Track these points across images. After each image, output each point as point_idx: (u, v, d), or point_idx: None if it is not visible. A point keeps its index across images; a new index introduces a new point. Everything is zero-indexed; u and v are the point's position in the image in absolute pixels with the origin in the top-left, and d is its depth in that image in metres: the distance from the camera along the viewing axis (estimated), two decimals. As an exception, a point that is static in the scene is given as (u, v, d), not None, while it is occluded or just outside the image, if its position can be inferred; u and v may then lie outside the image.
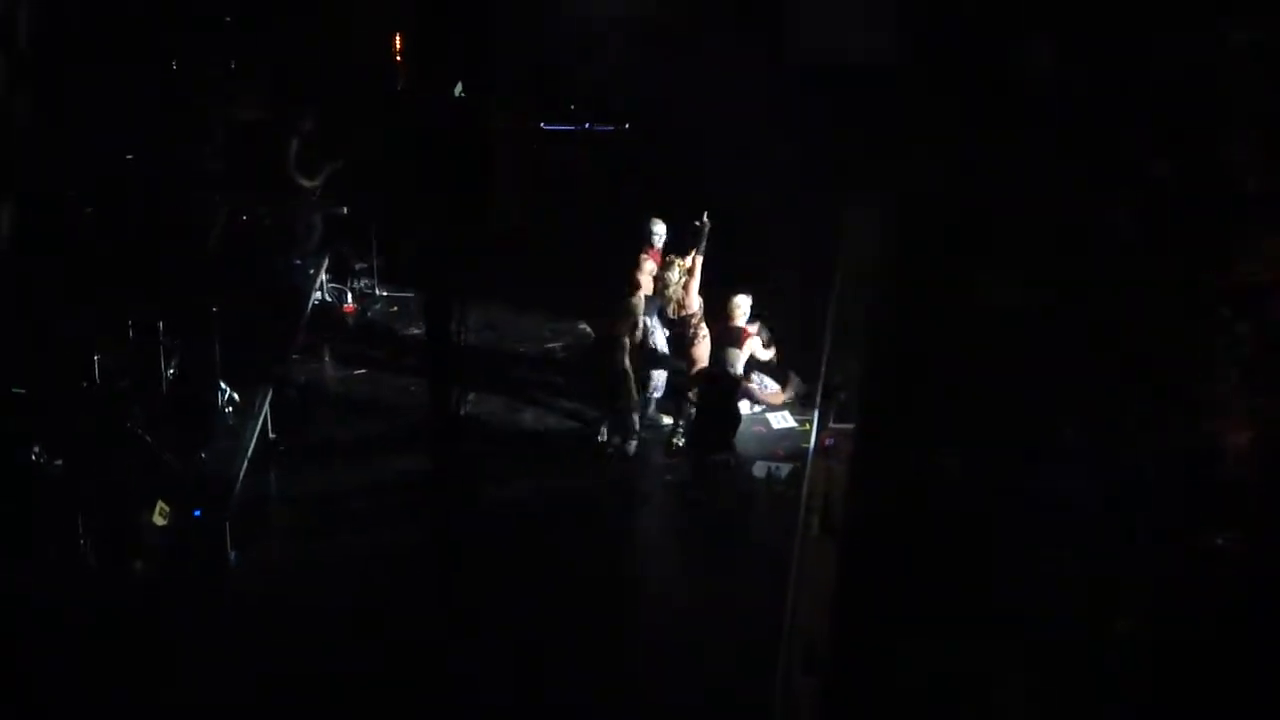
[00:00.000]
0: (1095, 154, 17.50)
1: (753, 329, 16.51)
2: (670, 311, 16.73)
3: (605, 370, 16.31)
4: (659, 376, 16.63)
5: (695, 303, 16.60)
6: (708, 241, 16.62)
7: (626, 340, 16.29)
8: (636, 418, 16.27)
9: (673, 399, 16.68)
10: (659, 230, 17.03)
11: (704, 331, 16.49)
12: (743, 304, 16.45)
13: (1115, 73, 18.19)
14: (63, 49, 17.31)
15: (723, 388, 16.14)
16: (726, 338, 16.32)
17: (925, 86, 18.29)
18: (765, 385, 16.80)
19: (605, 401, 16.49)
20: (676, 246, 16.88)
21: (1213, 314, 15.41)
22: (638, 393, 16.37)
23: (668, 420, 16.65)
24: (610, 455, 16.20)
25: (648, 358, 16.47)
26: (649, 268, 16.77)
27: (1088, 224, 17.13)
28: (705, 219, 16.63)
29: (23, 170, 16.85)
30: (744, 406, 16.46)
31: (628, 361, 16.28)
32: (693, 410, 16.30)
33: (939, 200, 17.47)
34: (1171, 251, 16.38)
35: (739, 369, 16.23)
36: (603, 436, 16.41)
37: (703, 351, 16.45)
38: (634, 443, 16.30)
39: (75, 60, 17.36)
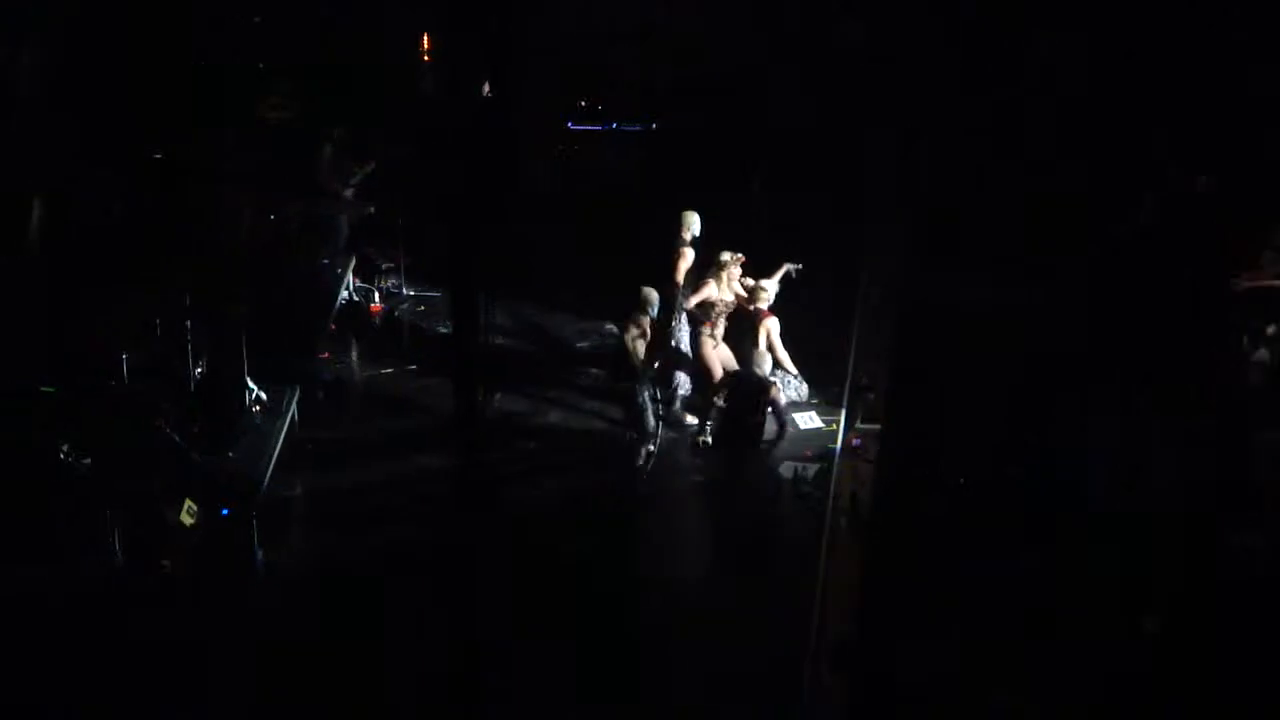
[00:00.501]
0: (1112, 152, 17.54)
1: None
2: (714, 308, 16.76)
3: (627, 365, 16.31)
4: (683, 376, 16.62)
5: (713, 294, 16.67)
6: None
7: (646, 333, 16.27)
8: (652, 417, 16.21)
9: (698, 398, 16.69)
10: (693, 223, 16.98)
11: (717, 330, 16.55)
12: (768, 287, 16.53)
13: (1129, 70, 18.23)
14: (92, 46, 17.37)
15: (749, 389, 16.12)
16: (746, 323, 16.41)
17: (945, 82, 18.34)
18: (789, 383, 16.79)
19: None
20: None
21: (1231, 312, 15.48)
22: (656, 390, 16.32)
23: (692, 420, 16.62)
24: (638, 455, 16.15)
25: (672, 356, 16.46)
26: (688, 258, 16.78)
27: (1110, 223, 17.18)
28: (794, 269, 16.75)
29: (52, 169, 16.90)
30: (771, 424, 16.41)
31: (643, 355, 16.26)
32: (716, 411, 16.29)
33: (962, 200, 17.51)
34: (1192, 250, 16.42)
35: (765, 368, 16.22)
36: (631, 436, 16.39)
37: (712, 350, 16.49)
38: (649, 445, 16.21)
39: (105, 59, 17.42)
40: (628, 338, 16.28)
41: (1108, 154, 17.40)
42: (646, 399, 16.12)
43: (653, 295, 16.44)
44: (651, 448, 16.14)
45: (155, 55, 17.98)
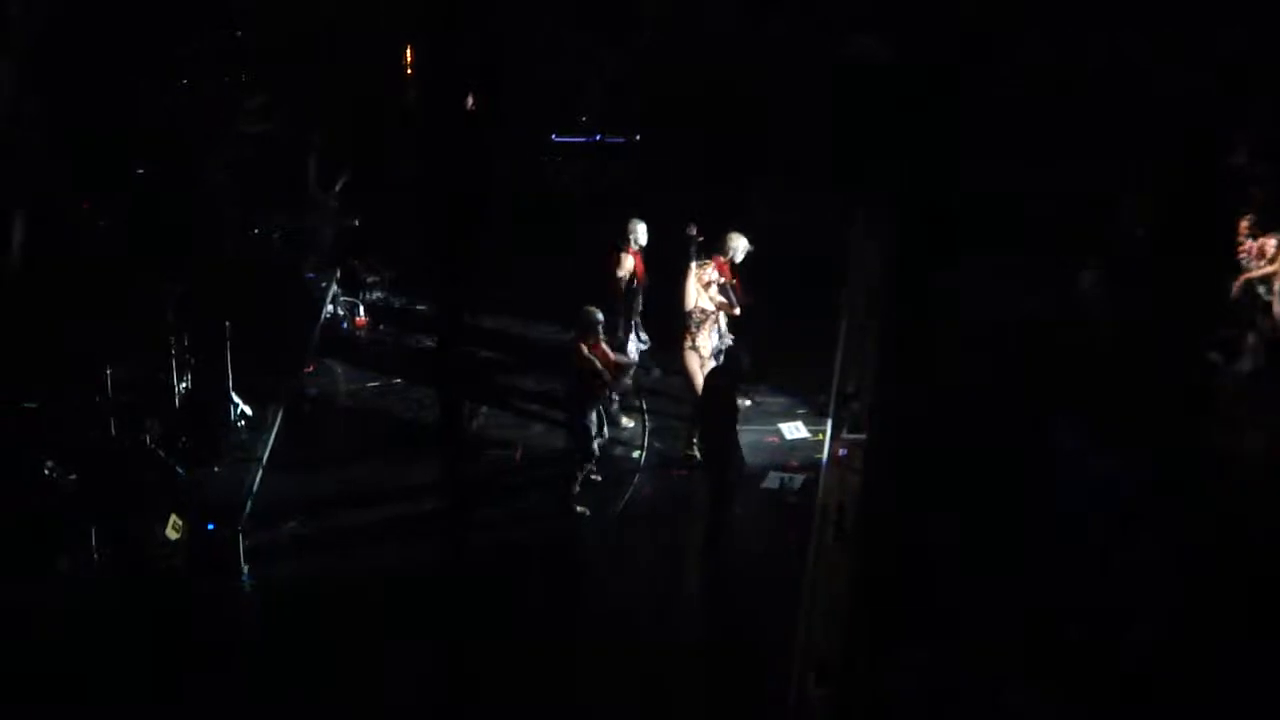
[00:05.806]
0: (1096, 159, 17.61)
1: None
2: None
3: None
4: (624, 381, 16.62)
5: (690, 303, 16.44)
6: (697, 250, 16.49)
7: (585, 342, 15.86)
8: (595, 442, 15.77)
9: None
10: (639, 230, 16.96)
11: (699, 340, 16.38)
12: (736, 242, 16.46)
13: (1110, 79, 18.31)
14: (75, 62, 17.35)
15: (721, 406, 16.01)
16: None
17: (928, 91, 18.38)
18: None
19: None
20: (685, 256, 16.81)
21: (1212, 314, 15.65)
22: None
23: (628, 422, 16.65)
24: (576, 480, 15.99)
25: (617, 361, 16.39)
26: (627, 266, 16.74)
27: (1090, 228, 17.27)
28: (694, 230, 16.50)
29: (35, 184, 16.89)
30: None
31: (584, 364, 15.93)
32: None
33: (943, 206, 17.54)
34: (1174, 255, 16.52)
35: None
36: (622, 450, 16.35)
37: (696, 364, 16.30)
38: (587, 470, 15.79)
39: (87, 74, 17.40)
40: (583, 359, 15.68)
41: (1096, 157, 17.47)
42: (591, 421, 15.71)
43: (596, 315, 15.67)
44: (591, 471, 15.86)
45: (139, 70, 17.94)
